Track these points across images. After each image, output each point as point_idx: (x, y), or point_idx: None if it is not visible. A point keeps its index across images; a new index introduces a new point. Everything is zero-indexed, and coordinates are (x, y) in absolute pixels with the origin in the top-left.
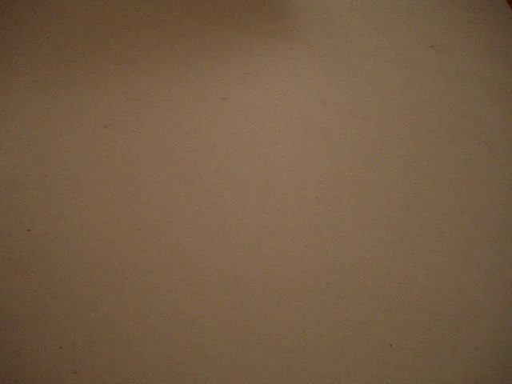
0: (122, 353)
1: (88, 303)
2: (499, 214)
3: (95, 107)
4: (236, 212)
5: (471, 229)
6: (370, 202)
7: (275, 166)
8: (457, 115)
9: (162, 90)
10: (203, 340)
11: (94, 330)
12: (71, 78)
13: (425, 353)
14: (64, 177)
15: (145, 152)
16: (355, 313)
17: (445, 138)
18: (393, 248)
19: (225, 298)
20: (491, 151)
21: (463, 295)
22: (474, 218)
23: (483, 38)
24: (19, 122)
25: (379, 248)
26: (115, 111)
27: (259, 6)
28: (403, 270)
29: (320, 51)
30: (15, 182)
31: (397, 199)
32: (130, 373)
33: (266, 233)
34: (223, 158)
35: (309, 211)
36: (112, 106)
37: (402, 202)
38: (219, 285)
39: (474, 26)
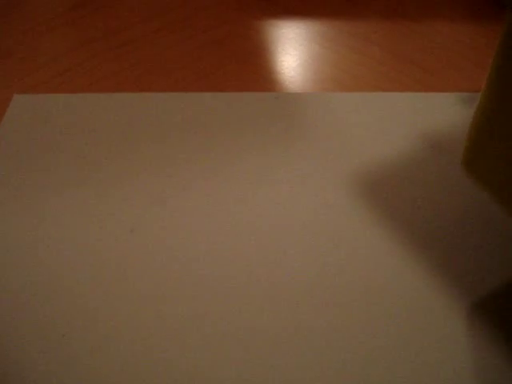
0: None
1: None
2: None
3: (122, 211)
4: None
5: None
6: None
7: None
8: None
9: (185, 194)
10: None
11: None
12: (98, 181)
13: None
14: (96, 283)
15: (169, 256)
16: None
17: None
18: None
19: None
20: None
21: None
22: None
23: None
24: (52, 224)
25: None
26: (140, 214)
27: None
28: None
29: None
30: (49, 288)
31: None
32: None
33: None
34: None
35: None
36: (137, 210)
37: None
38: None
39: None
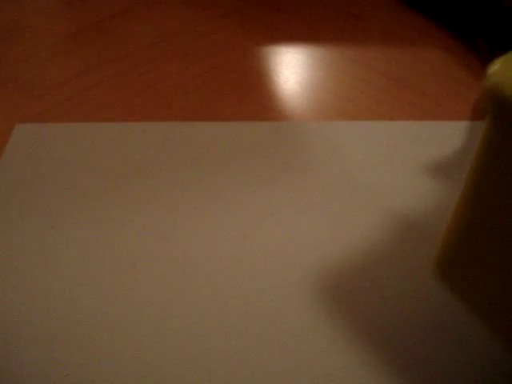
0: None
1: None
2: None
3: (125, 245)
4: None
5: None
6: None
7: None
8: None
9: (187, 226)
10: None
11: None
12: (99, 213)
13: None
14: (98, 321)
15: (171, 292)
16: None
17: None
18: None
19: None
20: None
21: None
22: None
23: None
24: (52, 258)
25: None
26: (143, 249)
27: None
28: None
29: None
30: (50, 327)
31: None
32: None
33: None
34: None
35: None
36: (140, 244)
37: None
38: None
39: None
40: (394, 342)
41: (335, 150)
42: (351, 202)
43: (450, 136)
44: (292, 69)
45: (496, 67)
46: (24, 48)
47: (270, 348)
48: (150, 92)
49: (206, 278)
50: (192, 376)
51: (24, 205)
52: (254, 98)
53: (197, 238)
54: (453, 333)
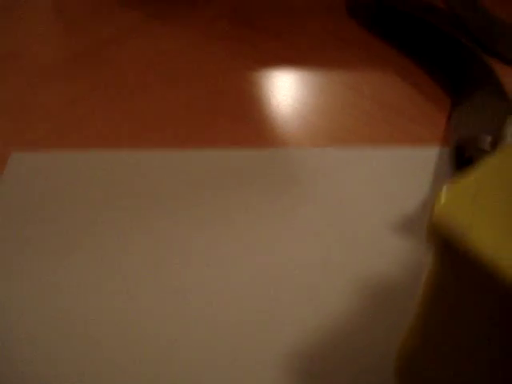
0: None
1: None
2: None
3: (118, 276)
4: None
5: None
6: None
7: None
8: None
9: (180, 256)
10: None
11: None
12: (93, 244)
13: None
14: (92, 358)
15: (169, 323)
16: None
17: None
18: None
19: None
20: None
21: None
22: None
23: None
24: (46, 292)
25: None
26: (138, 277)
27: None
28: None
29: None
30: (43, 364)
31: None
32: None
33: None
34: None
35: None
36: (135, 272)
37: None
38: None
39: None
40: None
41: (327, 177)
42: (344, 232)
43: (441, 162)
44: (283, 93)
45: (442, 202)
46: (19, 74)
47: None
48: (143, 118)
49: (203, 306)
50: None
51: (20, 236)
52: (247, 123)
53: (189, 267)
54: None
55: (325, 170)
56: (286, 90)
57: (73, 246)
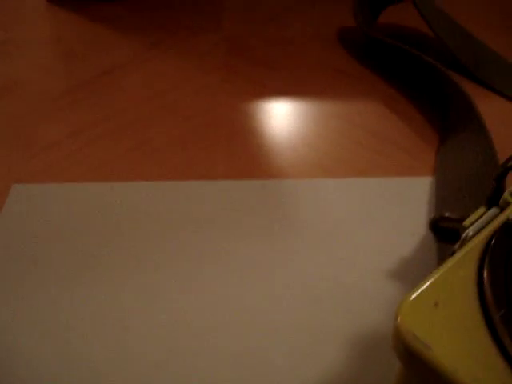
0: None
1: None
2: None
3: (115, 307)
4: None
5: None
6: None
7: None
8: None
9: (176, 288)
10: None
11: None
12: (91, 276)
13: None
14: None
15: (167, 354)
16: None
17: None
18: None
19: None
20: None
21: None
22: None
23: None
24: (44, 323)
25: None
26: (135, 311)
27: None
28: None
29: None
30: None
31: None
32: None
33: None
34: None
35: None
36: (130, 303)
37: None
38: None
39: None
40: None
41: (318, 209)
42: (336, 267)
43: (431, 191)
44: (278, 125)
45: (403, 313)
46: (17, 106)
47: None
48: (141, 150)
49: (200, 338)
50: None
51: (21, 268)
52: (242, 155)
53: (186, 299)
54: None
55: (316, 200)
56: (280, 121)
57: (73, 278)
